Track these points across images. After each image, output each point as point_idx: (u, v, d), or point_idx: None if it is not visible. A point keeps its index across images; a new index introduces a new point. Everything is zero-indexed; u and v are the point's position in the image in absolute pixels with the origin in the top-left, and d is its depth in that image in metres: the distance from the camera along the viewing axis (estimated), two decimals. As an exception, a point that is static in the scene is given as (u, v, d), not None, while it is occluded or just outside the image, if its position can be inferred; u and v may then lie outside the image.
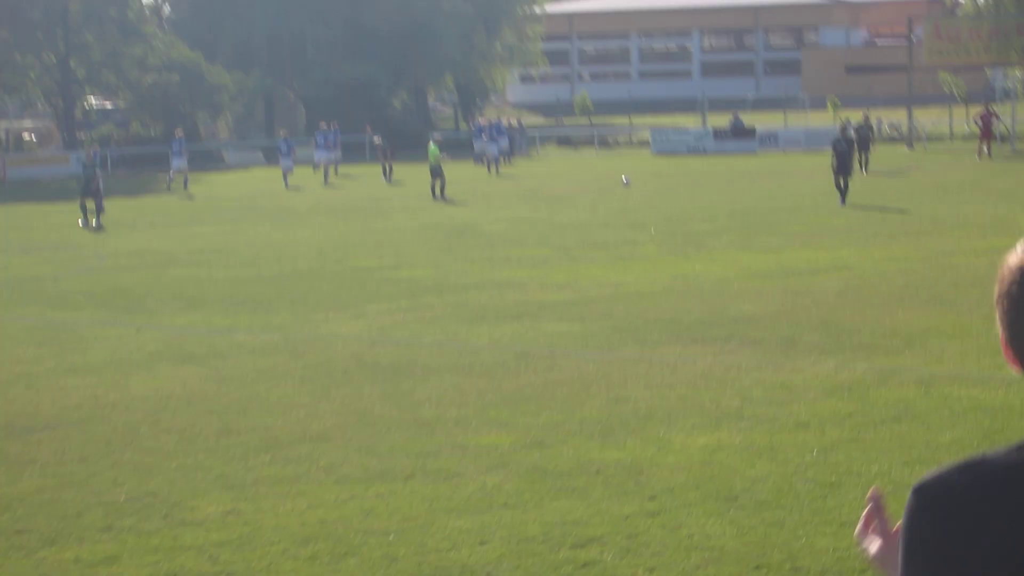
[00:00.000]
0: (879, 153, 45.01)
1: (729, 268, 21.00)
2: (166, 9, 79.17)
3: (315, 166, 52.07)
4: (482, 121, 61.51)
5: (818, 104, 70.36)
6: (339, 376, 13.36)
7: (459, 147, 58.14)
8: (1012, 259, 2.38)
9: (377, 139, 48.95)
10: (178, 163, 50.60)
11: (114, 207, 36.95)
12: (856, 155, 31.53)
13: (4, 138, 65.63)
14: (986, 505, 2.24)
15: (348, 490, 9.25)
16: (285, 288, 20.35)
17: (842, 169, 31.56)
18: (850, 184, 31.20)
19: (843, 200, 30.82)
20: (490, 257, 23.52)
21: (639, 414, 11.09)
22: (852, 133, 33.18)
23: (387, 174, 47.86)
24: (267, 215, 35.70)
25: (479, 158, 52.22)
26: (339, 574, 7.78)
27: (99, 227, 31.85)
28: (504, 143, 55.77)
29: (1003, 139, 52.25)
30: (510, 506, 8.75)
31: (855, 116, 52.36)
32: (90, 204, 32.78)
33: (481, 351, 14.32)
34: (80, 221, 32.21)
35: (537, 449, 10.11)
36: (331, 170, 49.16)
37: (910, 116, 58.91)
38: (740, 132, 59.95)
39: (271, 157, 56.31)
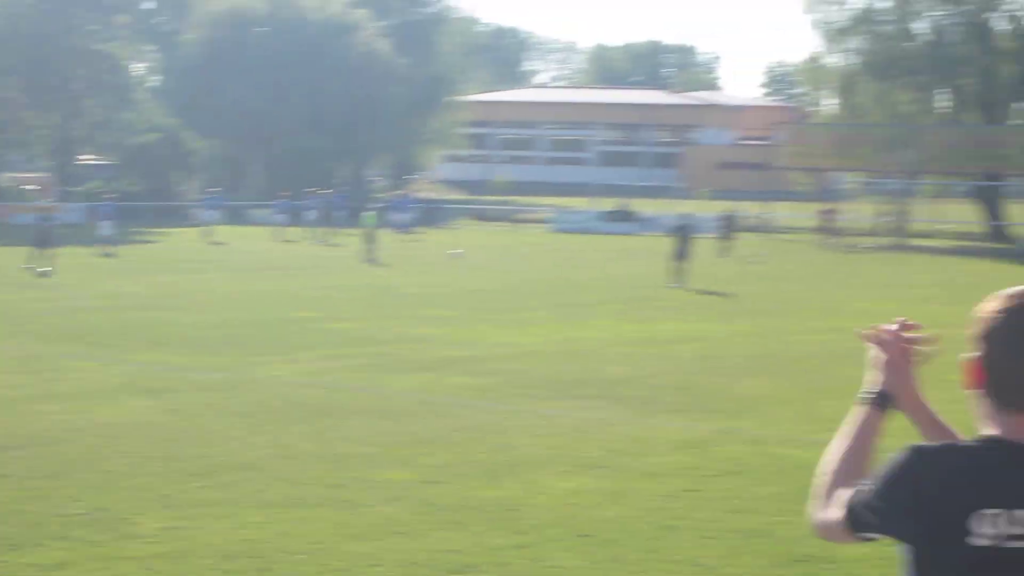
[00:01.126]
0: (740, 241, 44.63)
1: (607, 334, 20.69)
2: (153, 79, 77.83)
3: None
4: (397, 194, 61.37)
5: (693, 195, 69.58)
6: (271, 413, 13.15)
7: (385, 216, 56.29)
8: (989, 304, 2.61)
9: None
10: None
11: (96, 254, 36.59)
12: (691, 243, 31.12)
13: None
14: (954, 471, 2.55)
15: (270, 514, 9.11)
16: (232, 333, 19.90)
17: (680, 255, 30.71)
18: (685, 268, 30.22)
19: (679, 282, 29.85)
20: (407, 315, 23.08)
21: (518, 459, 11.00)
22: (689, 223, 32.52)
23: (324, 238, 47.46)
24: (222, 268, 34.90)
25: (395, 227, 51.60)
26: (257, 587, 7.72)
27: (47, 274, 30.77)
28: (411, 215, 54.97)
29: (842, 233, 51.96)
30: (403, 534, 8.67)
31: (723, 207, 51.11)
32: (45, 252, 31.53)
33: (393, 397, 14.12)
34: (33, 268, 30.91)
35: (430, 485, 10.00)
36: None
37: (768, 209, 59.52)
38: (625, 216, 59.05)
39: (236, 217, 55.58)
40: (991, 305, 2.69)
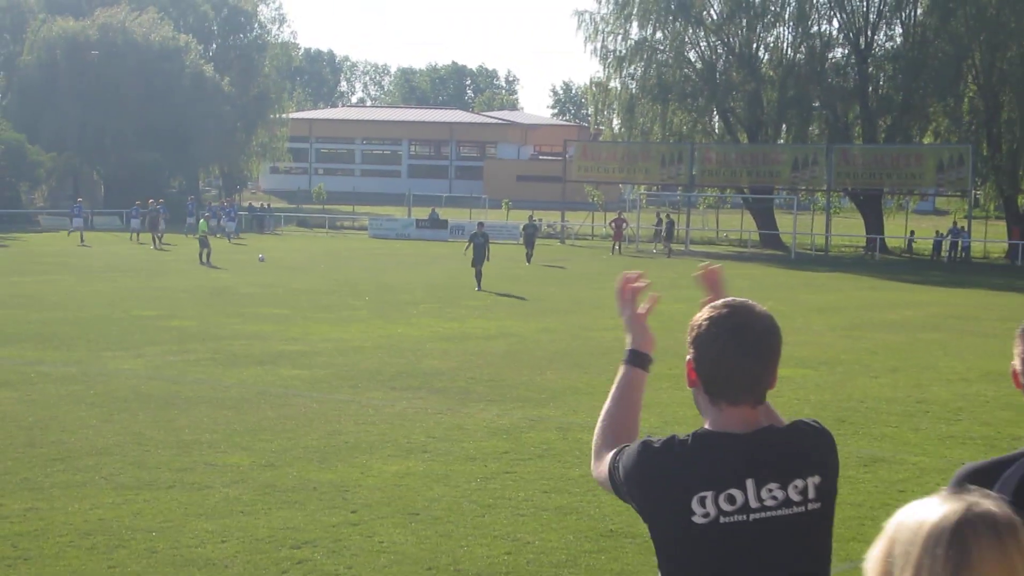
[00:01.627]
0: (539, 247, 44.45)
1: (424, 331, 20.70)
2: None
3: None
4: (225, 203, 60.42)
5: (495, 204, 70.00)
6: (121, 403, 12.95)
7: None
8: (700, 313, 2.79)
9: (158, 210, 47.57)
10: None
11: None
12: (488, 249, 30.93)
13: None
14: (674, 460, 2.72)
15: (122, 495, 9.09)
16: (82, 330, 19.45)
17: (477, 260, 30.47)
18: (483, 272, 29.92)
19: (479, 286, 29.54)
20: (242, 313, 22.81)
21: (348, 444, 11.06)
22: (484, 230, 32.18)
23: (156, 242, 46.34)
24: (70, 270, 33.84)
25: (223, 233, 50.87)
26: (111, 561, 7.63)
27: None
28: (236, 223, 54.98)
29: (630, 240, 52.63)
30: (246, 513, 8.72)
31: (522, 216, 51.70)
32: None
33: (231, 388, 14.03)
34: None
35: (269, 469, 10.02)
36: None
37: (563, 218, 59.83)
38: (436, 223, 58.75)
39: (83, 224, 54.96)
40: (701, 314, 2.85)
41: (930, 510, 1.72)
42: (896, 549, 1.71)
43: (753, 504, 2.76)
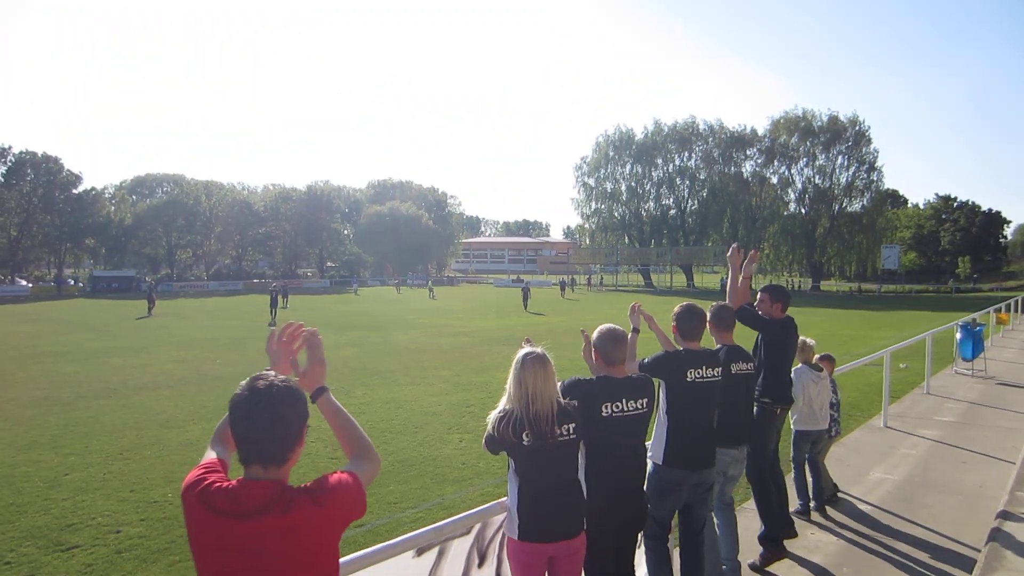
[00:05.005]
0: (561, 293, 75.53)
1: None
2: None
3: (399, 288, 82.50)
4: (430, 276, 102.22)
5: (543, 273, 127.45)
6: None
7: None
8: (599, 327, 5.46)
9: None
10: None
11: None
12: (529, 294, 50.69)
13: None
14: (592, 384, 5.28)
15: None
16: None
17: (524, 300, 45.69)
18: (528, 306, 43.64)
19: (525, 306, 42.56)
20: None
21: None
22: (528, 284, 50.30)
23: (431, 292, 72.13)
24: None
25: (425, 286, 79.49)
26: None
27: None
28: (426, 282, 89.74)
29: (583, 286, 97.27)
30: None
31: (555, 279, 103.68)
32: None
33: None
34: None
35: None
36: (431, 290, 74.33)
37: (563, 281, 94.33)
38: (519, 282, 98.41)
39: None
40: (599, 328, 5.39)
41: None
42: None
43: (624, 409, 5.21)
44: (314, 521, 3.16)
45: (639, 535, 5.89)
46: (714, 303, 7.12)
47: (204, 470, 3.28)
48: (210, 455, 3.40)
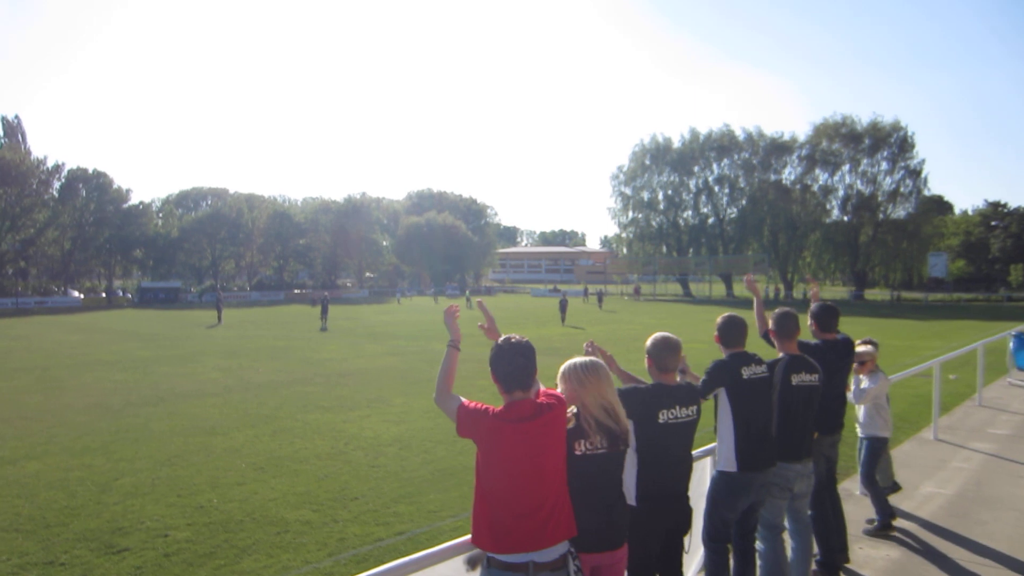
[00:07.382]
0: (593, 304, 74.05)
1: None
2: None
3: (400, 299, 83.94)
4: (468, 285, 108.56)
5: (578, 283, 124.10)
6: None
7: None
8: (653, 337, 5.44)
9: None
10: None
11: None
12: (566, 305, 49.02)
13: None
14: (646, 392, 5.28)
15: None
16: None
17: (562, 309, 46.75)
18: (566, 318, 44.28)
19: (563, 320, 43.87)
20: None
21: None
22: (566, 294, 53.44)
23: (468, 301, 73.74)
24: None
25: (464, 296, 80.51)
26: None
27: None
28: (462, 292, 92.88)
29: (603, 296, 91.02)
30: None
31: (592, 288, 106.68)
32: None
33: None
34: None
35: None
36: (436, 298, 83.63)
37: (600, 291, 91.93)
38: (557, 292, 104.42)
39: None
40: (653, 337, 5.31)
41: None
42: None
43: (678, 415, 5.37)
44: (558, 416, 4.63)
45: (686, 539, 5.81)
46: (776, 310, 6.88)
47: (476, 405, 4.63)
48: (459, 399, 4.70)
